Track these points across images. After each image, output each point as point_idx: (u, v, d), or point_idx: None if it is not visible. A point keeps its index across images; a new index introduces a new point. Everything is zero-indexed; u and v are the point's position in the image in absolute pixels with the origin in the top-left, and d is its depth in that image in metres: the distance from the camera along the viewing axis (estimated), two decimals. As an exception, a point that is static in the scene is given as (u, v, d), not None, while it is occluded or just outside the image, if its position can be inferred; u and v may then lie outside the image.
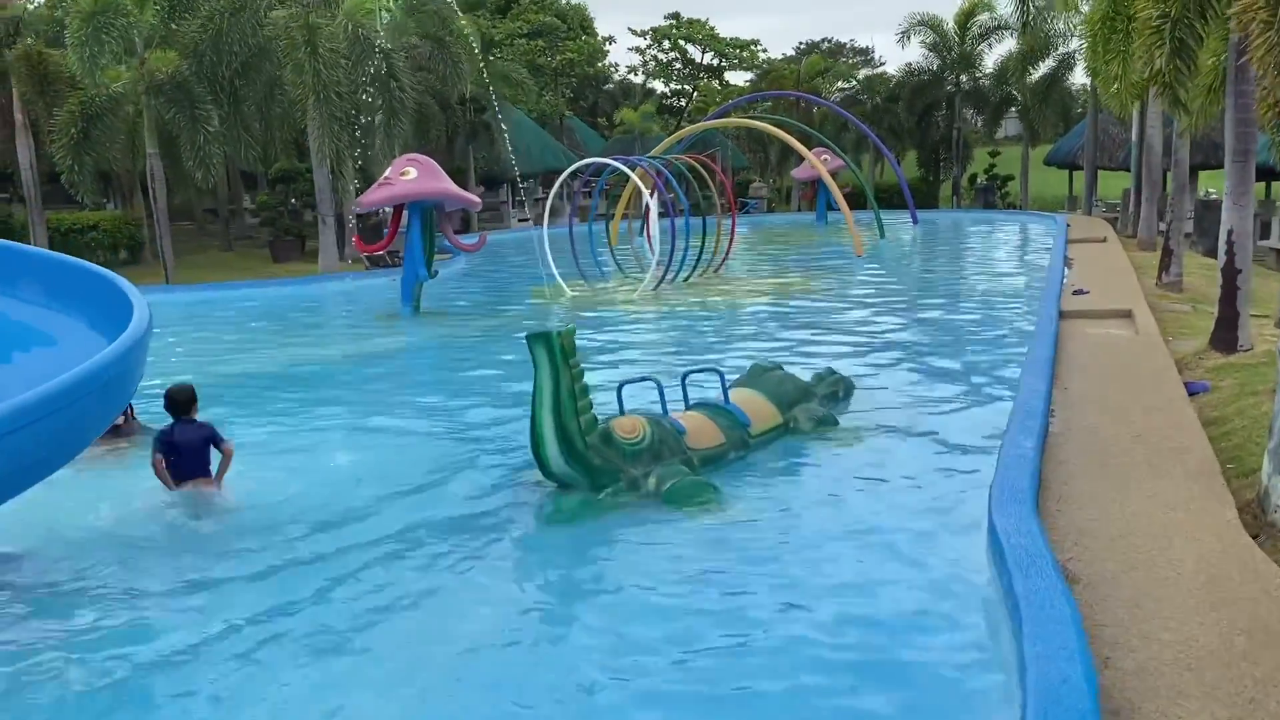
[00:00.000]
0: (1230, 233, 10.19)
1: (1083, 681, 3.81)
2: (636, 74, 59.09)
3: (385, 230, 22.40)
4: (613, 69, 60.53)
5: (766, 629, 5.08)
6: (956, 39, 39.11)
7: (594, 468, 6.89)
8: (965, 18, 38.27)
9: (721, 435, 7.79)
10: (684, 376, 8.42)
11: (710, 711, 4.39)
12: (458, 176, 39.18)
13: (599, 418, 7.09)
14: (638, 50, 57.38)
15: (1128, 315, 12.96)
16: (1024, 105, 37.53)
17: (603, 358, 12.55)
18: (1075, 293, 14.70)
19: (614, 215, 25.84)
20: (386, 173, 16.56)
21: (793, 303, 16.94)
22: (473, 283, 22.64)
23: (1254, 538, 5.84)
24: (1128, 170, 30.74)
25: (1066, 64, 35.50)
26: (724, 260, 21.11)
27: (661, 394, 7.71)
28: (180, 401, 7.21)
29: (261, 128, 23.56)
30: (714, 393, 8.45)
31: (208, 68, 21.18)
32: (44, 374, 5.53)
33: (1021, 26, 31.32)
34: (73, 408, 5.49)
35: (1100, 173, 35.05)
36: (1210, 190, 28.50)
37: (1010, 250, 26.43)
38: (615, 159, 19.39)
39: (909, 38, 39.64)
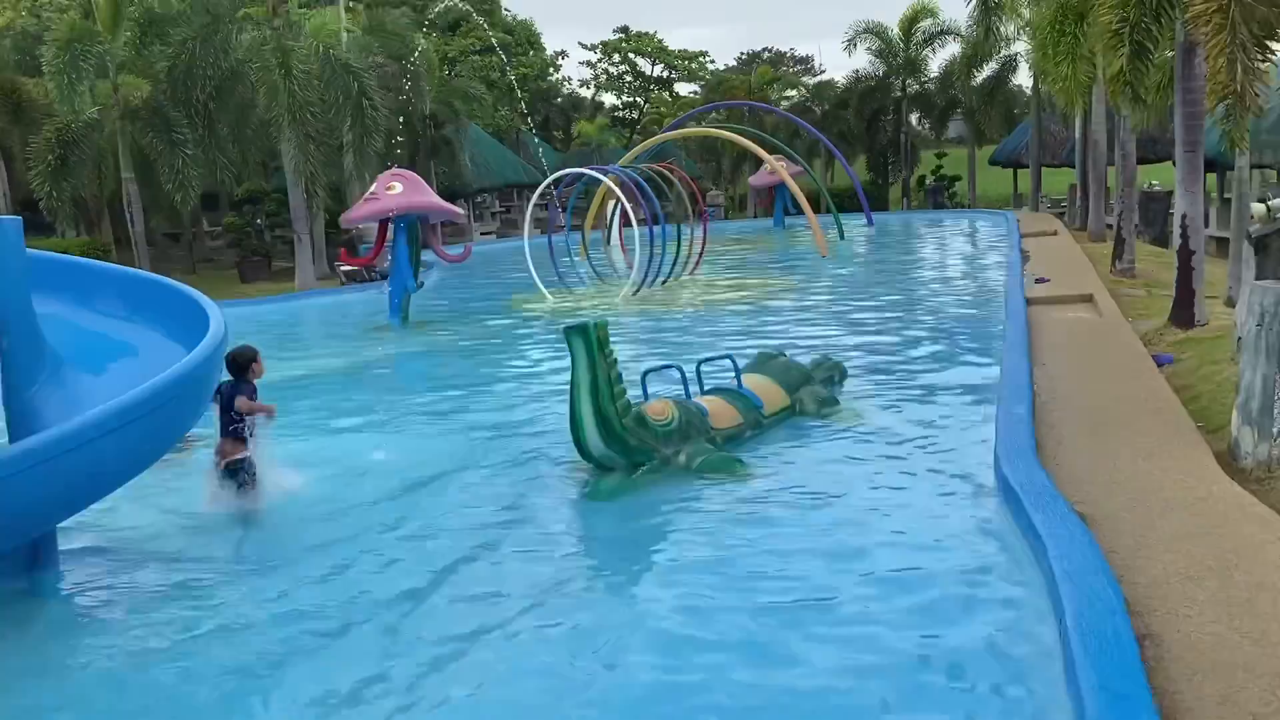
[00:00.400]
0: (1184, 218, 11.07)
1: (1109, 590, 4.49)
2: (588, 87, 59.81)
3: (361, 246, 22.95)
4: (565, 83, 61.20)
5: (811, 582, 5.65)
6: (901, 45, 40.33)
7: (631, 448, 7.48)
8: (909, 24, 39.49)
9: (739, 416, 8.43)
10: (699, 364, 9.05)
11: (769, 663, 4.73)
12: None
13: (631, 402, 7.69)
14: (588, 64, 58.13)
15: (1089, 300, 13.83)
16: (969, 107, 38.79)
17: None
18: (1037, 281, 15.57)
19: (583, 227, 26.48)
20: (373, 188, 17.04)
21: (769, 301, 17.67)
22: (446, 294, 23.08)
23: (1229, 481, 6.61)
24: (1070, 166, 32.05)
25: (1009, 66, 36.83)
26: (697, 263, 21.79)
27: (685, 379, 8.34)
28: (240, 363, 7.54)
29: (235, 149, 23.84)
30: (719, 380, 9.09)
31: (181, 92, 21.46)
32: (131, 380, 6.00)
33: (982, 29, 32.37)
34: (167, 407, 5.98)
35: (1044, 170, 36.35)
36: (1153, 182, 29.80)
37: (967, 246, 27.45)
38: (592, 169, 20.00)
39: (855, 45, 40.81)
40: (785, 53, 79.50)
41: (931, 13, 38.81)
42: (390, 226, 17.02)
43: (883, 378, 10.55)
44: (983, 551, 5.77)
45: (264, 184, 30.45)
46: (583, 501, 7.34)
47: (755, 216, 43.29)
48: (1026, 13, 23.74)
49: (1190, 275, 11.04)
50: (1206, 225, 27.84)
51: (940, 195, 41.93)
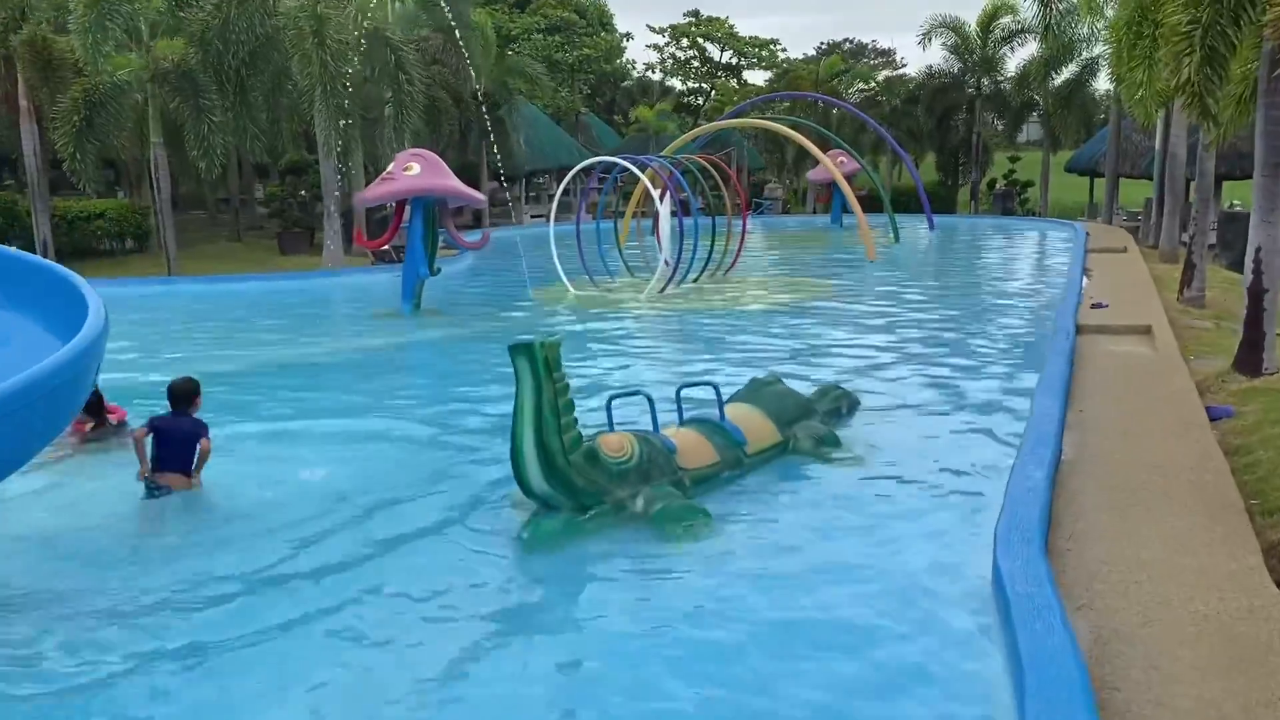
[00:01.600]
0: (1258, 250, 9.73)
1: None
2: (654, 71, 58.70)
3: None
4: (630, 66, 60.21)
5: (750, 677, 4.68)
6: (978, 42, 38.54)
7: (577, 488, 6.50)
8: (988, 20, 37.69)
9: (715, 454, 7.40)
10: (679, 390, 8.02)
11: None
12: (471, 171, 39.00)
13: (585, 434, 6.71)
14: (655, 47, 57.02)
15: (1147, 331, 12.50)
16: (1045, 110, 36.94)
17: (603, 362, 12.18)
18: (1093, 306, 14.23)
19: (624, 214, 25.48)
20: (390, 168, 16.24)
21: (800, 308, 16.54)
22: (478, 280, 22.30)
23: (1280, 585, 5.43)
24: (1150, 179, 30.16)
25: (1090, 69, 34.90)
26: (734, 262, 20.70)
27: (652, 408, 7.31)
28: (179, 394, 7.18)
29: (268, 119, 23.24)
30: (713, 407, 8.08)
31: (214, 57, 20.85)
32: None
33: (1044, 30, 30.70)
34: (16, 415, 5.15)
35: (1122, 181, 34.44)
36: (1235, 202, 27.89)
37: (1027, 258, 25.95)
38: (624, 157, 19.01)
39: (930, 40, 39.12)
40: (867, 45, 77.81)
41: (1012, 9, 36.97)
42: (407, 209, 16.25)
43: (899, 412, 9.42)
44: (954, 663, 4.70)
45: (308, 155, 29.91)
46: (513, 543, 6.38)
47: (815, 212, 41.93)
48: (1110, 11, 22.04)
49: (1260, 316, 9.70)
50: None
51: (1010, 200, 40.13)
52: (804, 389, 9.24)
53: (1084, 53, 33.65)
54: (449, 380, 11.81)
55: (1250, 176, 10.00)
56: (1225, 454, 7.70)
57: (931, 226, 30.92)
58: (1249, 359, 9.90)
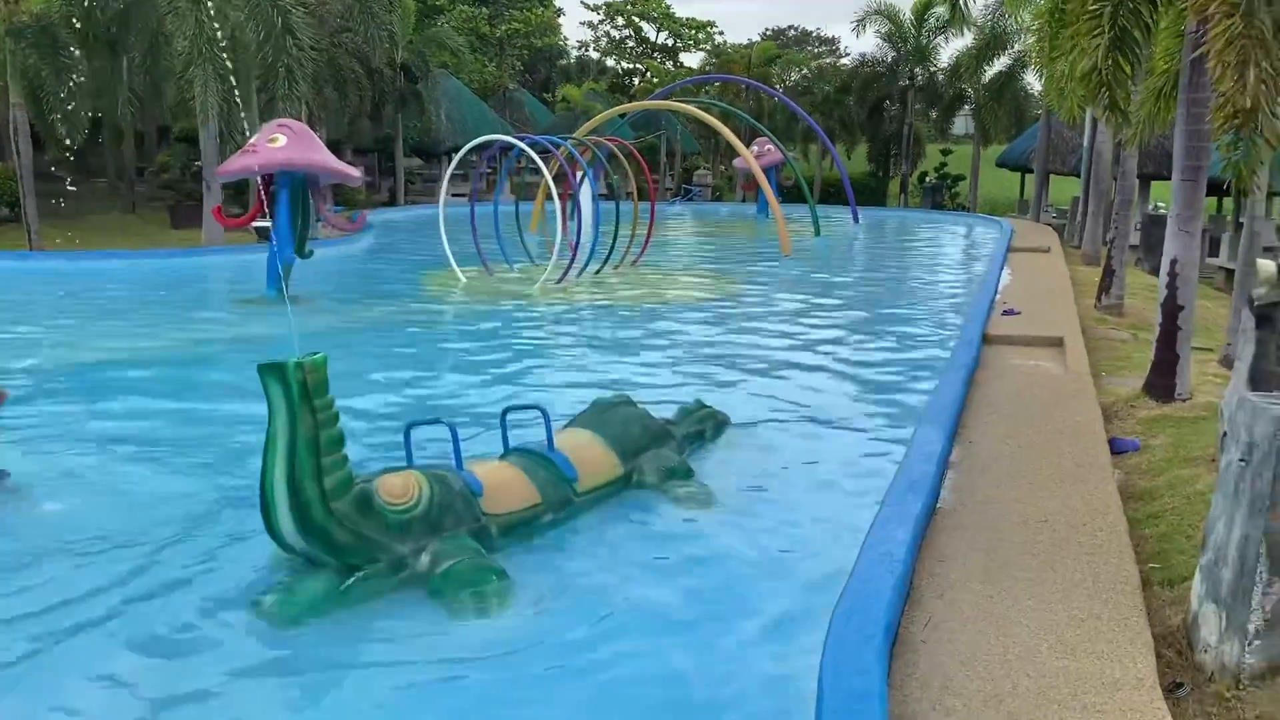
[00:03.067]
0: (1174, 263, 8.77)
1: None
2: (588, 49, 57.24)
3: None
4: (566, 42, 58.66)
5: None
6: (913, 31, 37.74)
7: (339, 544, 5.25)
8: (923, 8, 36.86)
9: (535, 494, 6.20)
10: (504, 414, 6.81)
11: None
12: (386, 146, 37.30)
13: (358, 475, 5.48)
14: (589, 25, 55.53)
15: (1058, 344, 11.58)
16: (976, 103, 36.28)
17: (478, 367, 10.97)
18: (1005, 313, 13.31)
19: (537, 198, 24.19)
20: (253, 139, 14.79)
21: (697, 305, 15.44)
22: (371, 263, 20.88)
23: (1173, 688, 4.42)
24: (1079, 176, 29.60)
25: (1022, 62, 34.27)
26: (641, 252, 19.54)
27: (455, 439, 6.06)
28: None
29: (147, 83, 21.47)
30: (564, 423, 6.93)
31: (80, 13, 19.06)
32: None
33: (950, 12, 29.78)
34: None
35: (1052, 177, 33.93)
36: (1160, 204, 27.36)
37: (950, 254, 25.15)
38: (523, 138, 17.71)
39: (864, 27, 38.22)
40: (811, 32, 77.02)
41: (945, -3, 36.15)
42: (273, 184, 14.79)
43: (768, 437, 8.31)
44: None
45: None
46: (254, 619, 5.11)
47: (743, 200, 40.88)
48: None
49: (1174, 337, 8.75)
50: (1216, 255, 25.55)
51: (940, 194, 39.50)
52: (668, 406, 8.13)
53: (1017, 44, 32.97)
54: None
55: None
56: (1127, 499, 6.73)
57: (856, 219, 30.02)
58: (1160, 383, 8.97)
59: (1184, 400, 8.88)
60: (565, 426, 7.14)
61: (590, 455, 6.73)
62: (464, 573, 5.32)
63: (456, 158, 17.83)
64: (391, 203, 36.00)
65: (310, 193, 15.01)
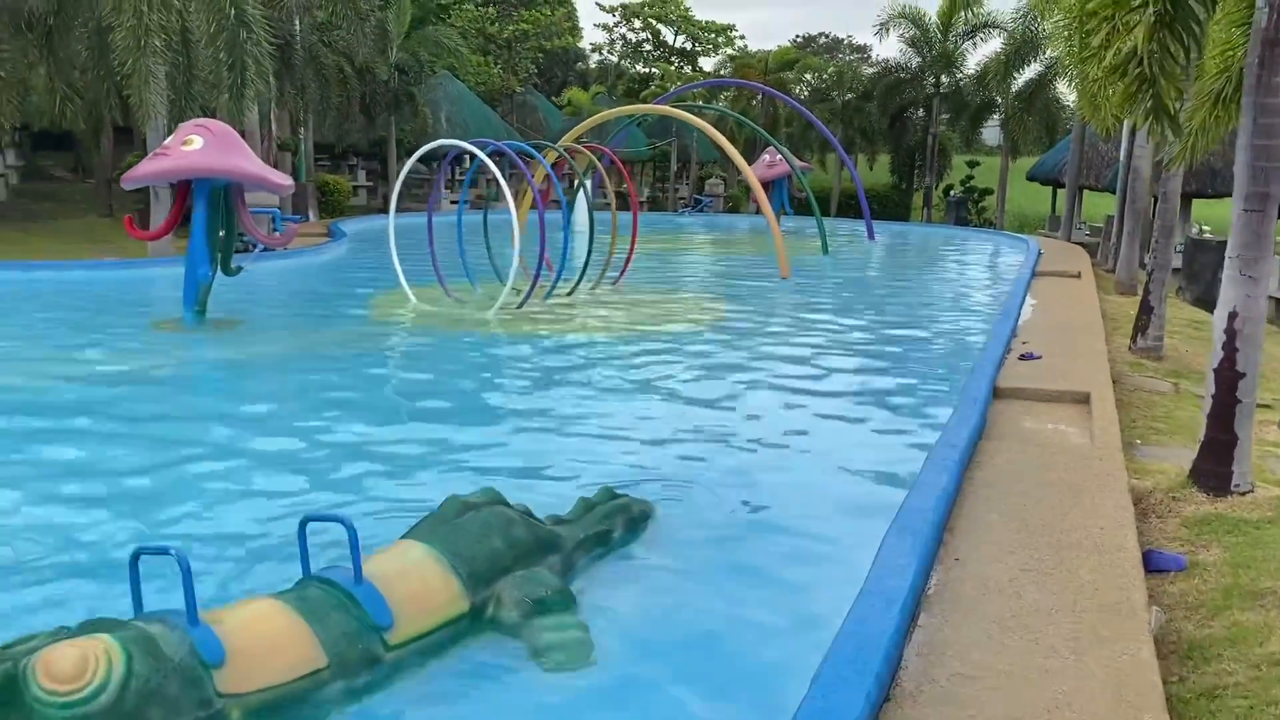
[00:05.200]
0: (1233, 317, 6.76)
1: None
2: (601, 52, 55.59)
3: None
4: (585, 45, 57.09)
5: None
6: (939, 35, 35.67)
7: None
8: (949, 12, 34.80)
9: (315, 653, 4.34)
10: (301, 526, 4.93)
11: None
12: (380, 148, 35.63)
13: (12, 643, 3.66)
14: (605, 27, 53.82)
15: (1084, 401, 9.59)
16: (1005, 112, 34.17)
17: (393, 416, 9.15)
18: (1023, 357, 11.31)
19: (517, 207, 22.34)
20: (167, 140, 13.09)
21: (669, 338, 13.54)
22: (322, 281, 19.16)
23: None
24: (1114, 192, 27.42)
25: (1054, 70, 32.12)
26: (622, 272, 17.71)
27: (186, 571, 4.14)
28: None
29: (95, 77, 19.87)
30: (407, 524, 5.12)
31: (9, 2, 17.48)
32: None
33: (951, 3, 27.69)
34: None
35: (1086, 193, 31.77)
36: (1205, 226, 25.13)
37: (966, 280, 23.07)
38: (474, 142, 15.91)
39: (888, 31, 36.23)
40: (843, 40, 75.03)
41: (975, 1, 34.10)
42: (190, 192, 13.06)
43: (703, 533, 6.40)
44: None
45: (175, 123, 26.55)
46: None
47: (757, 212, 38.89)
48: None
49: (1232, 413, 6.73)
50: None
51: (964, 209, 37.38)
52: (589, 486, 6.28)
53: (1049, 50, 30.85)
54: (172, 432, 8.49)
55: (1223, 195, 7.17)
56: (1168, 656, 4.80)
57: (871, 236, 28.00)
58: (1212, 470, 6.96)
59: (1243, 493, 6.88)
60: (402, 537, 5.29)
61: (417, 584, 4.86)
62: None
63: (407, 165, 16.05)
64: (385, 209, 34.42)
65: (235, 203, 13.26)
